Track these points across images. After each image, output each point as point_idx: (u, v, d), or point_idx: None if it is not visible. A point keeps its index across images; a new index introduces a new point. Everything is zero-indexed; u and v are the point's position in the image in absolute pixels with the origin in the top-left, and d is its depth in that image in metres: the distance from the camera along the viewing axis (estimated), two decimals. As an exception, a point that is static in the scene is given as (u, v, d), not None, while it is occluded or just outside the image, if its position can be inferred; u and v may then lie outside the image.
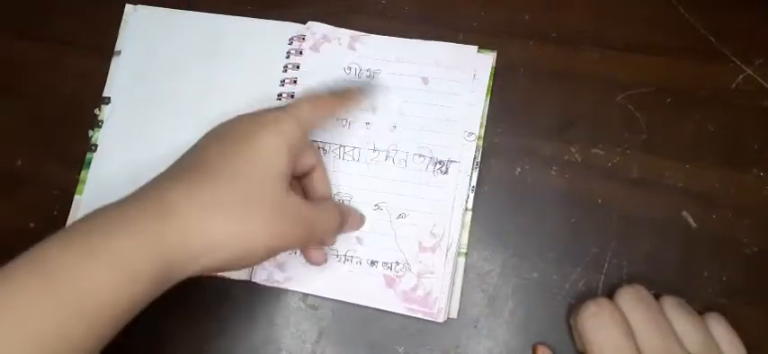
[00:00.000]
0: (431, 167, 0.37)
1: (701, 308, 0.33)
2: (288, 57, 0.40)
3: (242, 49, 0.41)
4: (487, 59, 0.38)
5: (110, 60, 0.42)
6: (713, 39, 0.38)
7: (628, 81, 0.38)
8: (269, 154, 0.30)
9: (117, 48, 0.42)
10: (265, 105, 0.38)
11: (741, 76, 0.37)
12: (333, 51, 0.40)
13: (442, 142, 0.37)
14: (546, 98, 0.38)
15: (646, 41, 0.38)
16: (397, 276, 0.36)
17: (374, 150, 0.38)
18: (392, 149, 0.38)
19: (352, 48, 0.40)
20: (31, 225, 0.40)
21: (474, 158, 0.37)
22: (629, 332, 0.30)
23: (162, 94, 0.41)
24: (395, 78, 0.39)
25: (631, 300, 0.31)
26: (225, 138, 0.31)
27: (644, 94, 0.38)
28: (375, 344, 0.36)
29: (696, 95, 0.37)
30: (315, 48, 0.40)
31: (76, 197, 0.40)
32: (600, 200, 0.36)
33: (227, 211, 0.28)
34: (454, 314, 0.35)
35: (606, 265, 0.35)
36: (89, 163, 0.40)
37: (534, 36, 0.39)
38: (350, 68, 0.39)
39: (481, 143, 0.37)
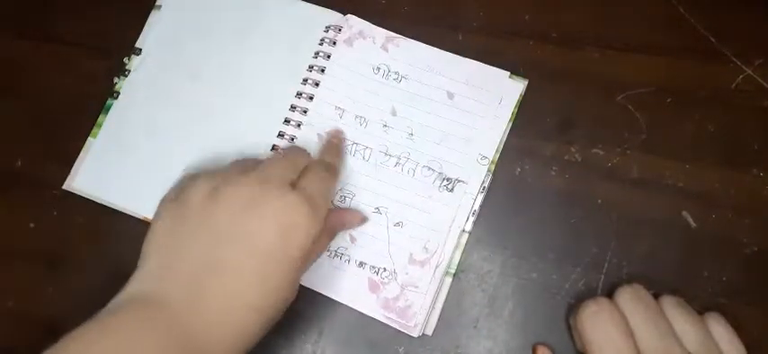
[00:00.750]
0: (438, 182, 0.37)
1: (701, 308, 0.33)
2: (321, 45, 0.40)
3: (277, 27, 0.41)
4: (517, 87, 0.38)
5: (111, 61, 0.42)
6: (713, 39, 0.38)
7: (628, 81, 0.38)
8: (294, 257, 0.30)
9: (158, 2, 0.43)
10: (288, 86, 0.40)
11: (741, 76, 0.37)
12: (366, 48, 0.40)
13: (454, 160, 0.37)
14: (546, 98, 0.38)
15: (646, 41, 0.38)
16: (381, 282, 0.36)
17: (386, 154, 0.38)
18: (403, 157, 0.38)
19: (384, 48, 0.40)
20: (31, 225, 0.40)
21: (482, 182, 0.37)
22: (629, 332, 0.30)
23: (192, 56, 0.41)
24: (422, 87, 0.39)
25: (631, 300, 0.31)
26: (247, 242, 0.29)
27: (644, 94, 0.38)
28: (375, 344, 0.36)
29: (696, 95, 0.37)
30: (348, 43, 0.40)
31: (90, 139, 0.40)
32: (600, 200, 0.36)
33: (248, 327, 0.29)
34: (430, 332, 0.35)
35: (606, 265, 0.35)
36: (108, 109, 0.41)
37: (534, 36, 0.39)
38: (378, 68, 0.39)
39: (493, 168, 0.37)
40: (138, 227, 0.38)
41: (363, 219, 0.37)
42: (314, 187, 0.31)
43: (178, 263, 0.29)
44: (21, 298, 0.38)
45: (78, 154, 0.40)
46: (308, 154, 0.36)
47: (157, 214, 0.31)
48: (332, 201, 0.37)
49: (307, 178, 0.32)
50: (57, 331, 0.39)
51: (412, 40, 0.40)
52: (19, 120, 0.42)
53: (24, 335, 0.38)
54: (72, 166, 0.40)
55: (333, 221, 0.35)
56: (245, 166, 0.32)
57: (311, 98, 0.39)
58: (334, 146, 0.38)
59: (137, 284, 0.29)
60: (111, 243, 0.39)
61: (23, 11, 0.44)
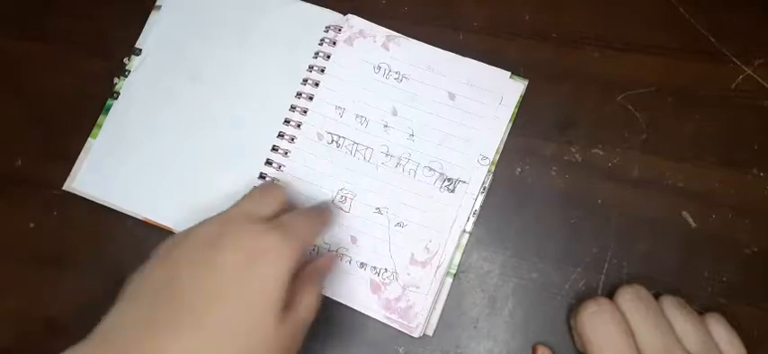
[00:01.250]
0: (439, 183, 0.37)
1: (701, 308, 0.33)
2: (321, 45, 0.40)
3: (277, 27, 0.41)
4: (517, 87, 0.38)
5: (111, 61, 0.42)
6: (713, 39, 0.38)
7: (628, 81, 0.38)
8: (268, 291, 0.26)
9: (158, 2, 0.43)
10: (288, 86, 0.40)
11: (741, 76, 0.37)
12: (366, 48, 0.40)
13: (454, 160, 0.37)
14: (546, 98, 0.38)
15: (646, 41, 0.38)
16: (383, 283, 0.36)
17: (387, 155, 0.38)
18: (404, 157, 0.38)
19: (385, 47, 0.40)
20: (31, 225, 0.40)
21: (483, 182, 0.37)
22: (629, 332, 0.30)
23: (191, 56, 0.41)
24: (422, 87, 0.39)
25: (631, 300, 0.31)
26: (211, 274, 0.26)
27: (644, 94, 0.38)
28: (375, 344, 0.36)
29: (696, 95, 0.37)
30: (349, 42, 0.40)
31: (90, 139, 0.40)
32: (600, 200, 0.36)
33: None
34: (430, 332, 0.35)
35: (606, 265, 0.35)
36: (108, 110, 0.41)
37: (534, 36, 0.39)
38: (379, 68, 0.39)
39: (493, 168, 0.37)
40: (138, 228, 0.39)
41: (335, 259, 0.36)
42: (291, 220, 0.29)
43: (136, 305, 0.27)
44: (21, 298, 0.38)
45: (78, 154, 0.40)
46: (284, 191, 0.32)
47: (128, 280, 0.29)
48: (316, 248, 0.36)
49: (287, 214, 0.30)
50: (57, 331, 0.39)
51: (413, 40, 0.40)
52: (19, 120, 0.42)
53: (24, 335, 0.38)
54: (72, 166, 0.40)
55: (309, 271, 0.31)
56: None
57: (311, 98, 0.39)
58: (325, 206, 0.37)
59: (101, 326, 0.27)
60: (111, 244, 0.39)
61: (23, 11, 0.44)
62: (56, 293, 0.38)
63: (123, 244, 0.39)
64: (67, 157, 0.40)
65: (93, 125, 0.41)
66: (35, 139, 0.41)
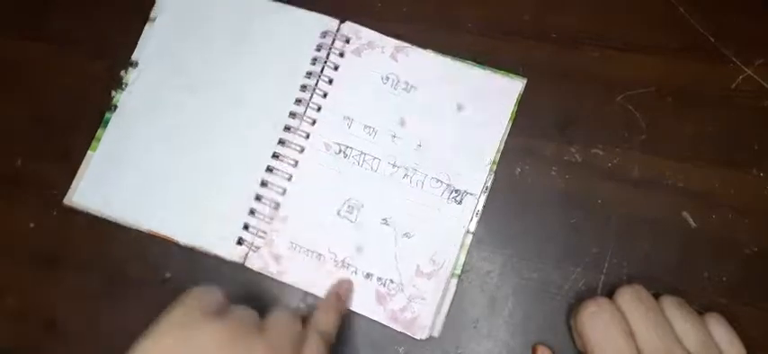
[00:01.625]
0: (446, 194, 0.37)
1: (701, 308, 0.33)
2: (318, 50, 0.40)
3: (272, 35, 0.41)
4: (517, 86, 0.38)
5: (111, 60, 0.42)
6: (713, 40, 0.38)
7: (628, 81, 0.38)
8: None
9: (152, 14, 0.42)
10: (286, 92, 0.40)
11: (741, 76, 0.37)
12: (375, 58, 0.40)
13: (462, 171, 0.37)
14: (546, 98, 0.38)
15: (646, 41, 0.38)
16: (388, 294, 0.36)
17: (394, 166, 0.38)
18: (412, 168, 0.38)
19: (394, 58, 0.40)
20: (31, 225, 0.40)
21: (485, 183, 0.37)
22: (629, 332, 0.30)
23: (188, 67, 0.41)
24: (431, 98, 0.39)
25: (631, 300, 0.31)
26: None
27: (644, 94, 0.38)
28: (375, 345, 0.36)
29: (696, 95, 0.37)
30: (357, 53, 0.40)
31: (89, 152, 0.40)
32: (600, 200, 0.36)
33: None
34: (436, 334, 0.35)
35: (606, 265, 0.35)
36: (107, 123, 0.41)
37: (534, 36, 0.39)
38: (387, 78, 0.39)
39: (494, 168, 0.37)
40: (139, 233, 0.38)
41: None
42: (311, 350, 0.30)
43: None
44: (21, 298, 0.39)
45: (78, 153, 0.40)
46: (301, 319, 0.32)
47: (160, 332, 0.28)
48: None
49: (310, 345, 0.31)
50: (57, 331, 0.39)
51: (421, 50, 0.40)
52: (19, 120, 0.42)
53: (24, 335, 0.38)
54: (72, 166, 0.40)
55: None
56: (252, 320, 0.30)
57: (319, 108, 0.39)
58: (334, 304, 0.35)
59: None
60: (112, 244, 0.39)
61: (24, 11, 0.44)
62: (56, 293, 0.38)
63: (123, 244, 0.39)
64: (68, 157, 0.40)
65: (94, 126, 0.41)
66: (35, 139, 0.41)
